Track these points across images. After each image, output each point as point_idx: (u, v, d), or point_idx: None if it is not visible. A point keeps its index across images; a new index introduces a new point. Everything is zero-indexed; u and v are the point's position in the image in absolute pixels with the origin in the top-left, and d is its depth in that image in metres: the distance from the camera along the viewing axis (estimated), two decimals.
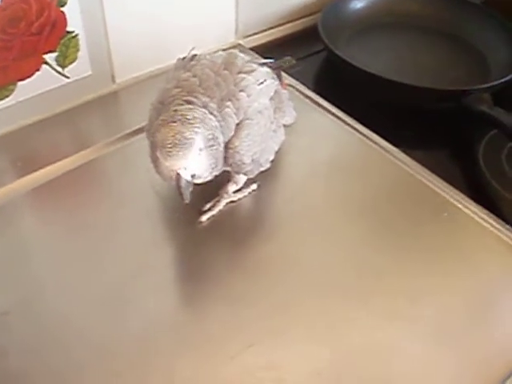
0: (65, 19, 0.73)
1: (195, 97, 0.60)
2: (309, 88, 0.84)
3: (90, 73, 0.79)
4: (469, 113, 0.80)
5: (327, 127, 0.79)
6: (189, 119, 0.57)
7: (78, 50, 0.76)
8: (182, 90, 0.61)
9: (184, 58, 0.67)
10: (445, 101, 0.83)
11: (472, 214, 0.68)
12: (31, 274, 0.62)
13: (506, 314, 0.60)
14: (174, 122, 0.56)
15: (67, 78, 0.77)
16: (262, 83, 0.65)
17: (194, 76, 0.63)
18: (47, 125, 0.78)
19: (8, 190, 0.70)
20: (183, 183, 0.56)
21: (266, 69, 0.67)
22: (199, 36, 0.86)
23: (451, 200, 0.69)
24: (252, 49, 0.91)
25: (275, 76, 0.69)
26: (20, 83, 0.74)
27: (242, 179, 0.68)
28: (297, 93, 0.83)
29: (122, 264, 0.62)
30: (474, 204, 0.69)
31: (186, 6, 0.83)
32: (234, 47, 0.90)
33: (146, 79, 0.84)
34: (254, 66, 0.66)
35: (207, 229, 0.66)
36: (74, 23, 0.74)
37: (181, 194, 0.57)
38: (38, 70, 0.74)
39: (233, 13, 0.89)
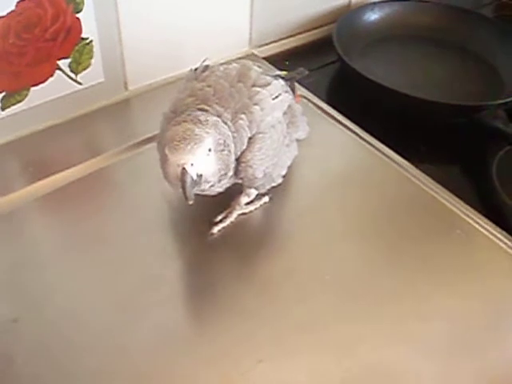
0: (80, 26, 0.73)
1: (209, 105, 0.60)
2: (322, 99, 0.84)
3: (102, 80, 0.78)
4: (483, 128, 0.79)
5: (340, 140, 0.79)
6: (201, 120, 0.56)
7: (91, 57, 0.76)
8: (197, 99, 0.61)
9: (196, 68, 0.67)
10: (458, 116, 0.82)
11: (485, 232, 0.67)
12: (41, 280, 0.62)
13: None
14: (186, 121, 0.56)
15: (80, 84, 0.77)
16: (276, 97, 0.64)
17: (209, 86, 0.62)
18: (59, 131, 0.77)
19: (19, 195, 0.70)
20: (188, 180, 0.55)
21: (280, 82, 0.67)
22: (213, 45, 0.86)
23: (464, 217, 0.69)
24: (265, 58, 0.91)
25: (289, 89, 0.69)
26: (33, 88, 0.74)
27: (253, 191, 0.68)
28: (310, 104, 0.83)
29: (131, 274, 0.62)
30: (487, 221, 0.68)
31: (200, 15, 0.83)
32: (247, 56, 0.90)
33: (158, 87, 0.84)
34: (269, 79, 0.65)
35: (218, 240, 0.65)
36: (88, 30, 0.74)
37: (185, 192, 0.55)
38: (51, 75, 0.74)
39: (247, 22, 0.88)
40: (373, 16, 0.97)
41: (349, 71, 0.85)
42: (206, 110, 0.59)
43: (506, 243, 0.66)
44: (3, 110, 0.73)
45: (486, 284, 0.63)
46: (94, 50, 0.75)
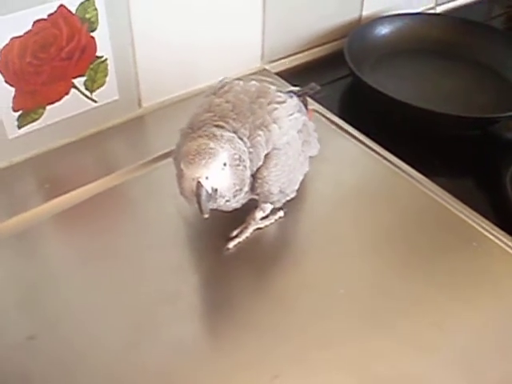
0: (95, 44, 0.73)
1: (226, 122, 0.60)
2: (334, 113, 0.84)
3: (117, 97, 0.79)
4: (495, 140, 0.79)
5: (353, 154, 0.79)
6: (216, 135, 0.57)
7: (106, 75, 0.77)
8: (214, 115, 0.61)
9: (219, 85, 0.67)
10: (472, 128, 0.83)
11: (502, 244, 0.67)
12: (56, 298, 0.62)
13: None
14: (201, 137, 0.57)
15: (95, 102, 0.78)
16: (291, 115, 0.65)
17: (227, 102, 0.63)
18: (74, 148, 0.78)
19: (35, 213, 0.70)
20: (203, 193, 0.55)
21: (294, 100, 0.68)
22: (225, 61, 0.87)
23: (480, 229, 0.68)
24: (277, 74, 0.92)
25: (302, 105, 0.70)
26: (49, 107, 0.74)
27: (268, 206, 0.68)
28: (323, 118, 0.83)
29: (147, 290, 0.62)
30: (503, 233, 0.68)
31: (212, 32, 0.84)
32: (259, 72, 0.91)
33: (172, 104, 0.85)
34: (284, 96, 0.66)
35: (234, 256, 0.66)
36: (103, 48, 0.74)
37: (200, 205, 0.56)
38: (66, 94, 0.75)
39: (259, 38, 0.89)
40: (383, 30, 0.97)
41: (361, 85, 0.86)
42: (223, 127, 0.59)
43: None
44: (20, 128, 0.74)
45: (504, 296, 0.62)
46: (109, 67, 0.76)
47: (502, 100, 0.88)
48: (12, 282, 0.64)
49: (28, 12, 0.67)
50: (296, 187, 0.67)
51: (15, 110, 0.72)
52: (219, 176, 0.57)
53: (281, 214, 0.69)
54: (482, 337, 0.59)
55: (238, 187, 0.59)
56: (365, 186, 0.75)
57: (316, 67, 0.95)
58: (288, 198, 0.67)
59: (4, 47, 0.67)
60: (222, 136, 0.57)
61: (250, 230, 0.67)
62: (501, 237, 0.67)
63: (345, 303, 0.61)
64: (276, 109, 0.63)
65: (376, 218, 0.70)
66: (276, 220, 0.69)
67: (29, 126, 0.74)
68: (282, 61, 0.94)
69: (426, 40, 0.98)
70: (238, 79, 0.68)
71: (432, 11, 1.08)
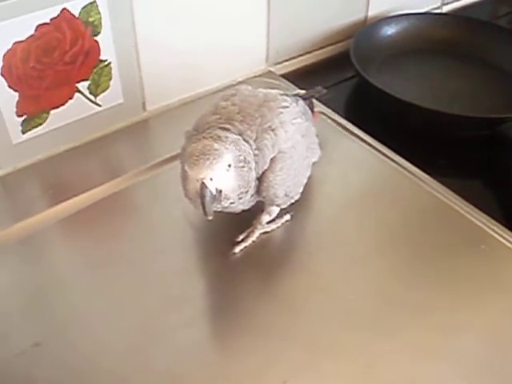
0: (98, 48, 0.73)
1: (232, 124, 0.60)
2: (340, 115, 0.84)
3: (121, 101, 0.79)
4: (505, 141, 0.78)
5: (360, 155, 0.78)
6: (221, 137, 0.57)
7: (110, 79, 0.76)
8: (220, 117, 0.61)
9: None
10: (480, 129, 0.82)
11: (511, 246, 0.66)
12: (62, 304, 0.62)
13: None
14: (206, 138, 0.57)
15: (99, 106, 0.77)
16: (294, 119, 0.65)
17: (234, 105, 0.63)
18: (79, 153, 0.78)
19: (40, 218, 0.70)
20: (207, 194, 0.55)
21: (300, 106, 0.68)
22: (230, 64, 0.86)
23: (489, 231, 0.68)
24: (283, 76, 0.91)
25: (307, 108, 0.70)
26: (53, 111, 0.74)
27: (275, 210, 0.67)
28: (329, 120, 0.83)
29: (153, 295, 0.62)
30: None
31: (216, 35, 0.83)
32: (264, 74, 0.90)
33: (177, 107, 0.84)
34: (289, 101, 0.66)
35: (240, 260, 0.65)
36: (106, 52, 0.74)
37: (204, 207, 0.55)
38: (70, 98, 0.74)
39: (263, 40, 0.88)
40: (389, 30, 0.96)
41: (367, 86, 0.85)
42: (228, 129, 0.59)
43: None
44: (24, 133, 0.73)
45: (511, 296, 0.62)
46: (113, 71, 0.76)
47: (510, 99, 0.87)
48: (17, 287, 0.63)
49: (30, 16, 0.66)
50: (300, 190, 0.67)
51: (19, 115, 0.72)
52: (224, 177, 0.56)
53: (287, 217, 0.69)
54: (490, 344, 0.58)
55: (242, 189, 0.59)
56: (372, 187, 0.74)
57: (322, 69, 0.95)
58: (292, 201, 0.67)
59: (7, 52, 0.67)
60: (226, 137, 0.57)
61: (257, 234, 0.67)
62: (511, 239, 0.67)
63: (352, 307, 0.60)
64: (281, 113, 0.63)
65: (383, 220, 0.70)
66: (283, 223, 0.68)
67: (33, 131, 0.74)
68: (288, 63, 0.93)
69: (433, 40, 0.97)
70: (246, 84, 0.68)
71: (438, 11, 1.07)
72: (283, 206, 0.67)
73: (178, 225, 0.69)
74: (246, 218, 0.67)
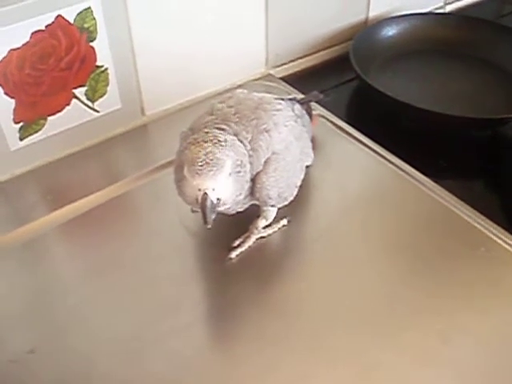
0: (94, 54, 0.73)
1: (228, 125, 0.60)
2: (340, 118, 0.83)
3: (119, 106, 0.79)
4: (506, 142, 0.77)
5: (359, 158, 0.78)
6: (220, 141, 0.56)
7: (107, 84, 0.76)
8: (216, 118, 0.61)
9: None
10: (481, 129, 0.81)
11: (511, 249, 0.65)
12: (59, 310, 0.62)
13: None
14: (206, 141, 0.56)
15: (97, 111, 0.77)
16: (287, 121, 0.65)
17: (230, 106, 0.63)
18: (77, 159, 0.78)
19: (39, 224, 0.70)
20: (209, 204, 0.55)
21: (295, 109, 0.68)
22: (229, 68, 0.86)
23: (489, 234, 0.67)
24: (282, 79, 0.91)
25: (304, 113, 0.71)
26: (50, 118, 0.74)
27: (271, 215, 0.67)
28: (328, 123, 0.82)
29: (148, 301, 0.62)
30: None
31: (215, 40, 0.83)
32: (264, 77, 0.90)
33: (175, 112, 0.84)
34: (283, 104, 0.66)
35: (236, 265, 0.65)
36: (103, 58, 0.74)
37: (205, 216, 0.55)
38: (67, 104, 0.75)
39: (263, 43, 0.88)
40: (390, 31, 0.95)
41: (367, 88, 0.84)
42: (224, 129, 0.59)
43: None
44: (22, 140, 0.73)
45: (510, 300, 0.61)
46: (110, 77, 0.76)
47: None
48: (15, 293, 0.64)
49: (25, 23, 0.66)
50: (294, 192, 0.67)
51: (16, 122, 0.72)
52: (224, 186, 0.56)
53: (284, 222, 0.68)
54: (489, 348, 0.57)
55: (238, 193, 0.59)
56: (370, 191, 0.74)
57: (322, 71, 0.94)
58: (286, 203, 0.66)
59: (2, 59, 0.67)
60: (225, 141, 0.57)
61: (253, 239, 0.66)
62: (510, 242, 0.66)
63: (349, 314, 0.60)
64: (275, 115, 0.64)
65: (382, 224, 0.69)
66: (279, 228, 0.68)
67: (30, 138, 0.74)
68: (287, 65, 0.93)
69: (435, 40, 0.96)
70: (242, 88, 0.68)
71: (441, 10, 1.06)
72: (277, 206, 0.66)
73: (175, 230, 0.68)
74: (243, 223, 0.67)
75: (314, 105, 0.80)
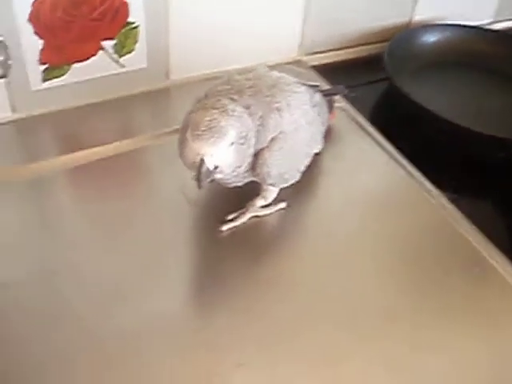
0: (127, 9, 0.74)
1: (241, 96, 0.60)
2: (363, 115, 0.82)
3: (145, 65, 0.79)
4: None
5: (372, 157, 0.77)
6: (228, 110, 0.56)
7: (136, 42, 0.77)
8: (231, 88, 0.62)
9: None
10: (498, 150, 0.79)
11: (504, 273, 0.63)
12: (49, 249, 0.63)
13: None
14: (214, 108, 0.56)
15: (122, 67, 0.78)
16: (303, 105, 0.65)
17: (248, 79, 0.63)
18: (96, 109, 0.79)
19: (46, 164, 0.72)
20: (204, 170, 0.55)
21: (313, 98, 0.68)
22: (260, 47, 0.86)
23: (485, 255, 0.65)
24: (313, 67, 0.90)
25: (323, 102, 0.71)
26: (75, 65, 0.75)
27: (271, 195, 0.67)
28: (349, 118, 0.81)
29: (136, 256, 0.62)
30: (509, 264, 0.64)
31: (251, 14, 0.82)
32: (294, 63, 0.89)
33: (200, 81, 0.84)
34: (302, 88, 0.66)
35: (229, 239, 0.65)
36: (136, 14, 0.74)
37: (199, 180, 0.56)
38: (94, 54, 0.75)
39: (299, 28, 0.87)
40: (431, 38, 0.93)
41: (395, 91, 0.83)
42: (236, 100, 0.59)
43: None
44: (44, 81, 0.74)
45: (496, 323, 0.60)
46: (140, 35, 0.76)
47: None
48: (13, 224, 0.65)
49: None
50: (297, 176, 0.66)
51: (41, 63, 0.73)
52: (223, 154, 0.56)
53: (282, 205, 0.68)
54: (471, 370, 0.56)
55: (238, 164, 0.59)
56: (377, 191, 0.73)
57: (354, 66, 0.92)
58: (286, 185, 0.66)
59: None
60: (233, 111, 0.57)
61: (248, 216, 0.66)
62: (506, 267, 0.64)
63: (331, 305, 0.59)
64: (290, 96, 0.63)
65: (381, 225, 0.68)
66: (276, 210, 0.68)
67: (53, 81, 0.75)
68: (320, 55, 0.91)
69: (474, 54, 0.93)
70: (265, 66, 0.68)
71: (489, 27, 1.03)
72: (277, 187, 0.66)
73: (174, 194, 0.69)
74: (243, 198, 0.67)
75: (338, 98, 0.79)
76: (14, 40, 0.70)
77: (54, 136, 0.78)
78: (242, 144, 0.57)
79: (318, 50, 0.91)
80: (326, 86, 0.77)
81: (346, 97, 0.82)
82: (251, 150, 0.60)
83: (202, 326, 0.57)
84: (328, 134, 0.75)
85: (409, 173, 0.74)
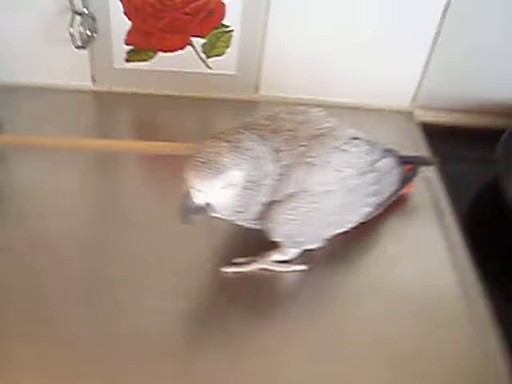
0: (223, 11, 0.70)
1: (274, 137, 0.54)
2: (453, 195, 0.70)
3: (233, 73, 0.75)
4: None
5: (431, 248, 0.65)
6: (241, 147, 0.50)
7: (227, 46, 0.73)
8: (271, 125, 0.55)
9: None
10: None
11: None
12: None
13: None
14: (227, 141, 0.51)
15: (209, 68, 0.75)
16: (348, 167, 0.56)
17: (292, 121, 0.56)
18: (174, 103, 0.77)
19: (117, 144, 0.71)
20: (188, 204, 0.50)
21: (366, 161, 0.58)
22: (368, 85, 0.77)
23: None
24: (422, 123, 0.79)
25: (394, 172, 0.62)
26: (160, 54, 0.73)
27: (290, 252, 0.60)
28: (428, 193, 0.69)
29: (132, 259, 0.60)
30: None
31: (361, 48, 0.74)
32: (404, 113, 0.79)
33: (291, 104, 0.77)
34: (356, 149, 0.57)
35: (230, 280, 0.59)
36: (232, 19, 0.71)
37: (182, 213, 0.51)
38: (182, 48, 0.73)
39: (417, 77, 0.76)
40: None
41: (500, 188, 0.67)
42: (265, 139, 0.53)
43: None
44: (127, 62, 0.74)
45: None
46: (233, 40, 0.72)
47: None
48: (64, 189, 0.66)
49: None
50: (318, 242, 0.59)
51: (127, 44, 0.72)
52: (218, 193, 0.51)
53: (301, 267, 0.60)
54: None
55: (238, 209, 0.53)
56: (413, 291, 0.61)
57: (467, 134, 0.78)
58: (298, 250, 0.59)
59: None
60: (246, 150, 0.51)
61: (255, 266, 0.60)
62: None
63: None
64: (332, 153, 0.55)
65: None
66: (292, 271, 0.60)
67: (136, 64, 0.74)
68: (434, 112, 0.79)
69: None
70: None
71: None
72: (288, 247, 0.59)
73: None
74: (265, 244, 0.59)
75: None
76: (104, 16, 0.70)
77: (126, 117, 0.78)
78: (249, 189, 0.51)
79: (433, 106, 0.79)
80: (409, 153, 0.66)
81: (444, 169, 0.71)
82: (261, 199, 0.53)
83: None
84: (397, 205, 0.66)
85: (464, 282, 0.62)
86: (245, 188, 0.51)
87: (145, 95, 0.77)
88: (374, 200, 0.61)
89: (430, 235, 0.66)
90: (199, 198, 0.50)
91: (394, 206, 0.66)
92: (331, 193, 0.55)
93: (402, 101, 0.79)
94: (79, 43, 0.69)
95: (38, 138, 0.70)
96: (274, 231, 0.55)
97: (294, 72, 0.75)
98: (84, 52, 0.71)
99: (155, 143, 0.71)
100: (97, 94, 0.76)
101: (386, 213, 0.65)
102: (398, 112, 0.79)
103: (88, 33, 0.69)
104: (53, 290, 0.56)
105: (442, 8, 0.70)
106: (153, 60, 0.74)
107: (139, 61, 0.74)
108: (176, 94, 0.77)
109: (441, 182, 0.71)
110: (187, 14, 0.69)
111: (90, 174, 0.70)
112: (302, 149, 0.54)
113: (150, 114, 0.77)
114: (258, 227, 0.56)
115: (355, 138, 0.58)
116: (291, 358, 0.54)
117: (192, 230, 0.60)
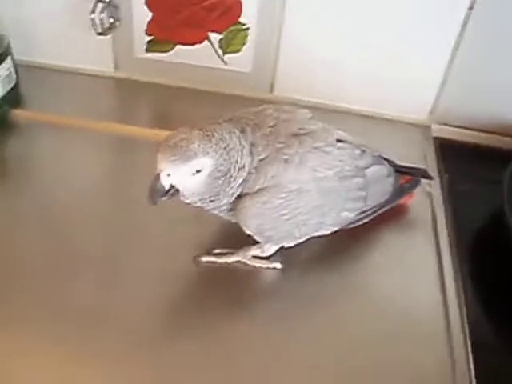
0: (240, 9, 0.71)
1: (255, 132, 0.55)
2: (454, 214, 0.68)
3: (248, 70, 0.76)
4: None
5: (422, 267, 0.63)
6: (214, 137, 0.51)
7: (243, 44, 0.74)
8: (254, 119, 0.56)
9: None
10: None
11: None
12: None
13: None
14: (201, 130, 0.52)
15: (224, 63, 0.76)
16: (328, 169, 0.56)
17: (276, 118, 0.56)
18: (190, 95, 0.79)
19: (132, 130, 0.73)
20: (156, 186, 0.51)
21: (352, 166, 0.58)
22: (384, 95, 0.76)
23: None
24: (437, 138, 0.77)
25: (386, 181, 0.62)
26: (179, 46, 0.75)
27: (269, 249, 0.60)
28: (428, 208, 0.68)
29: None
30: None
31: (380, 56, 0.73)
32: (420, 127, 0.77)
33: (304, 106, 0.76)
34: (338, 152, 0.57)
35: (205, 269, 0.60)
36: (248, 17, 0.72)
37: (149, 194, 0.52)
38: (199, 42, 0.75)
39: (434, 91, 0.74)
40: None
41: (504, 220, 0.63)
42: (243, 132, 0.54)
43: None
44: (147, 51, 0.77)
45: None
46: (249, 38, 0.73)
47: None
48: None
49: None
50: (290, 240, 0.59)
51: (147, 34, 0.75)
52: (187, 179, 0.52)
53: (277, 265, 0.61)
54: None
55: (207, 196, 0.53)
56: (396, 311, 0.59)
57: (480, 154, 0.76)
58: (274, 245, 0.60)
59: None
60: (220, 141, 0.51)
61: (233, 259, 0.61)
62: None
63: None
64: (309, 152, 0.55)
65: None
66: (267, 268, 0.61)
67: (156, 54, 0.77)
68: (450, 128, 0.77)
69: None
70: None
71: None
72: (262, 242, 0.59)
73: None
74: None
75: (433, 183, 0.69)
76: (127, 5, 0.72)
77: (143, 105, 0.80)
78: (218, 178, 0.52)
79: (450, 122, 0.77)
80: (406, 164, 0.64)
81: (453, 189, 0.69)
82: (231, 189, 0.53)
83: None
84: (395, 215, 0.66)
85: (446, 304, 0.60)
86: (214, 177, 0.52)
87: (162, 85, 0.79)
88: (359, 206, 0.60)
89: (422, 250, 0.65)
90: (167, 182, 0.51)
91: (392, 216, 0.65)
92: (305, 192, 0.55)
93: (420, 114, 0.77)
94: (100, 30, 0.71)
95: (57, 116, 0.73)
96: (244, 223, 0.55)
97: (308, 74, 0.76)
98: (107, 39, 0.74)
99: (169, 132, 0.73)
100: (117, 81, 0.79)
101: (381, 222, 0.64)
102: (413, 125, 0.77)
103: (111, 20, 0.72)
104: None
105: (461, 22, 0.69)
106: (171, 52, 0.76)
107: (159, 52, 0.76)
108: (192, 86, 0.79)
109: (447, 199, 0.69)
110: (204, 9, 0.71)
111: (104, 155, 0.73)
112: (279, 145, 0.54)
113: (166, 104, 0.79)
114: (230, 218, 0.57)
115: (341, 141, 0.58)
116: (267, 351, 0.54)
117: (185, 217, 0.63)
